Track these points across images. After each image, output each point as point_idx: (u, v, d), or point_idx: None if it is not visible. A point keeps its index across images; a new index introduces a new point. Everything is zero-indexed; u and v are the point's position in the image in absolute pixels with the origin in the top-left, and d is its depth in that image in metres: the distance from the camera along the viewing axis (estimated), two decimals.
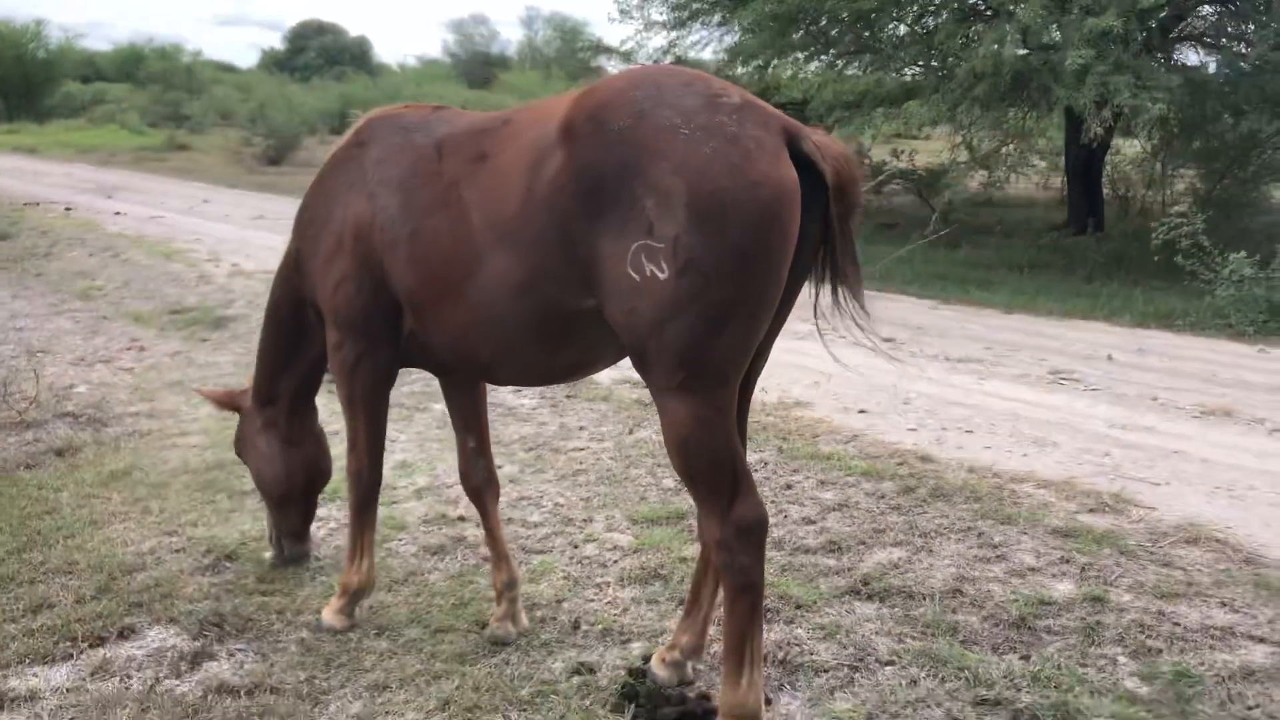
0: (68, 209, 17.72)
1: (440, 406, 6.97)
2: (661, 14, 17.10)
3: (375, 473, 4.08)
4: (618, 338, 3.21)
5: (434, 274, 3.48)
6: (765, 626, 4.05)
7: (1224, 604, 4.29)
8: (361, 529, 4.10)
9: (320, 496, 5.33)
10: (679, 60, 17.64)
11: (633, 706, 3.56)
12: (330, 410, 5.02)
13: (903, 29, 13.93)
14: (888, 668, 3.82)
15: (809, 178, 2.97)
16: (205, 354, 8.40)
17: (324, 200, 3.93)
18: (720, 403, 3.02)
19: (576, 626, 4.15)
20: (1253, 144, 14.37)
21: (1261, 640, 4.01)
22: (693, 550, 4.76)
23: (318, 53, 70.29)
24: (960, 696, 3.62)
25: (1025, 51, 11.47)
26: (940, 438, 6.42)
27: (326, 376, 4.47)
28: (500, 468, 5.81)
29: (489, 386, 4.31)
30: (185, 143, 34.81)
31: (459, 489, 5.49)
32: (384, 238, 3.64)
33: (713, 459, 3.04)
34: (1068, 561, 4.66)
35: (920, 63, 13.10)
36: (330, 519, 5.20)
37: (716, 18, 16.24)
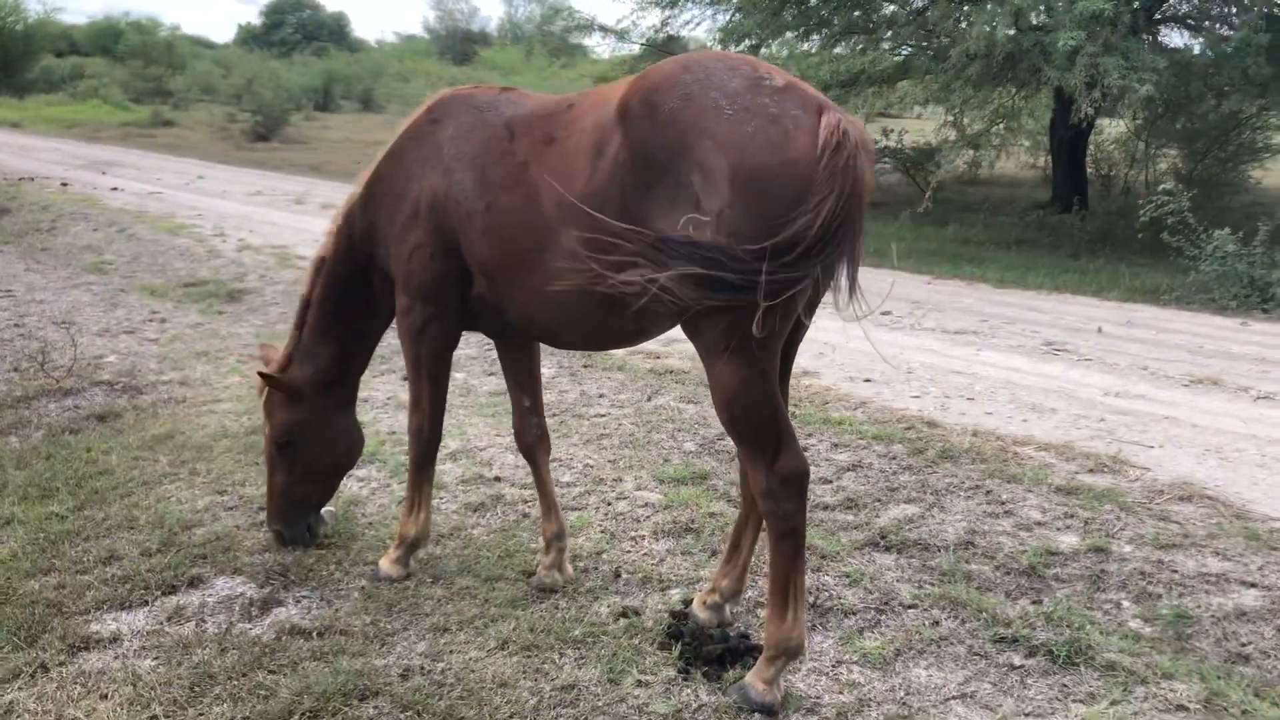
0: (64, 184, 17.78)
1: (462, 376, 7.25)
2: None
3: (436, 431, 4.33)
4: (666, 306, 3.50)
5: (507, 246, 3.76)
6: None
7: (1217, 554, 4.61)
8: (420, 483, 4.36)
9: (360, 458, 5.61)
10: (670, 39, 17.85)
11: (679, 645, 3.84)
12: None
13: (893, 9, 14.20)
14: (910, 610, 4.13)
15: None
16: (225, 325, 8.61)
17: (401, 173, 4.16)
18: (764, 365, 3.29)
19: (617, 575, 4.43)
20: (1233, 124, 14.76)
21: (1253, 585, 4.34)
22: (720, 506, 5.06)
23: (295, 28, 69.78)
24: (980, 635, 3.93)
25: (1014, 32, 11.74)
26: (944, 404, 6.73)
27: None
28: None
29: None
30: (170, 118, 34.70)
31: (492, 451, 5.80)
32: (459, 209, 3.90)
33: (758, 416, 3.32)
34: (1071, 516, 4.98)
35: (913, 43, 13.35)
36: (371, 479, 5.46)
37: None
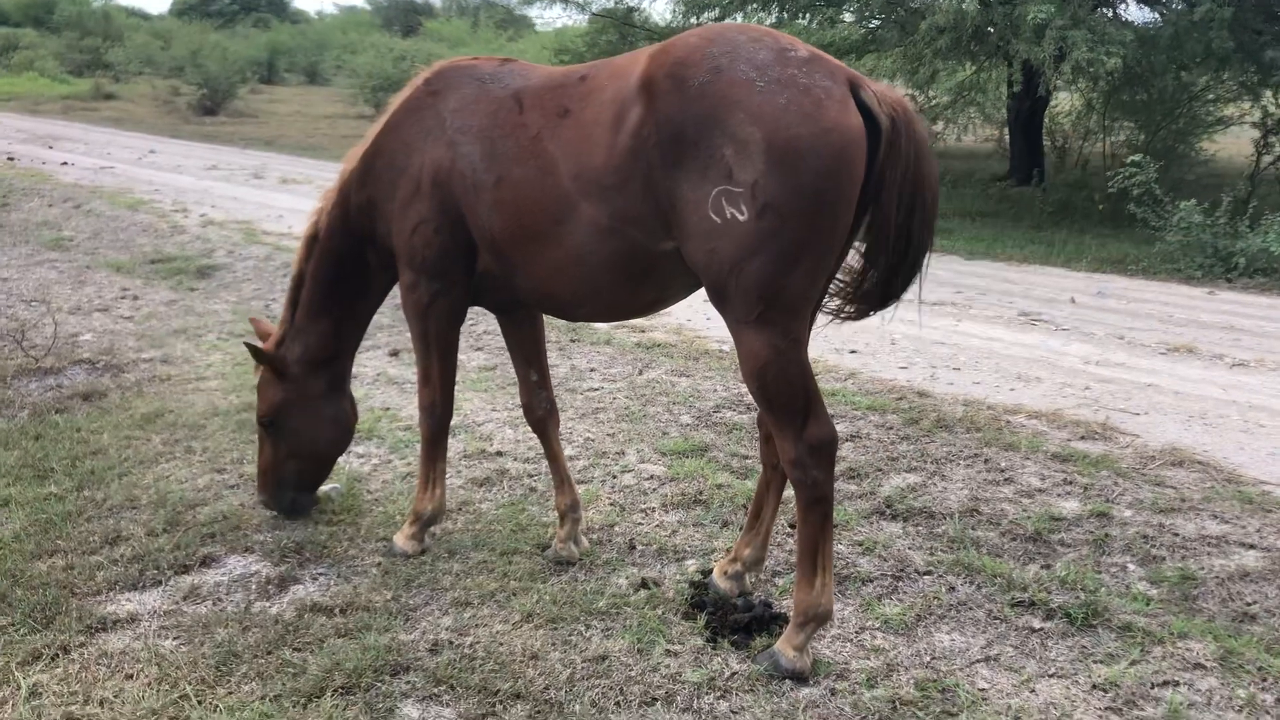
0: (10, 159, 17.32)
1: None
2: None
3: (447, 406, 4.31)
4: (688, 276, 3.55)
5: (521, 219, 3.71)
6: None
7: (1215, 516, 4.73)
8: (434, 459, 4.34)
9: (357, 435, 5.56)
10: (631, 10, 17.76)
11: (704, 615, 3.88)
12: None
13: None
14: (926, 576, 4.20)
15: (868, 124, 3.24)
16: (200, 302, 8.47)
17: (401, 147, 4.08)
18: (794, 333, 3.32)
19: (632, 547, 4.45)
20: (1186, 97, 15.01)
21: (1252, 547, 4.46)
22: (725, 478, 5.09)
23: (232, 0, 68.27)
24: (997, 599, 4.00)
25: (980, 6, 11.82)
26: (932, 375, 6.82)
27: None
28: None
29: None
30: (111, 91, 33.89)
31: (490, 426, 5.78)
32: (465, 182, 3.85)
33: (788, 385, 3.34)
34: (1070, 483, 5.08)
35: (880, 15, 13.41)
36: (372, 455, 5.42)
37: None
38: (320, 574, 4.20)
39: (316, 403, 4.53)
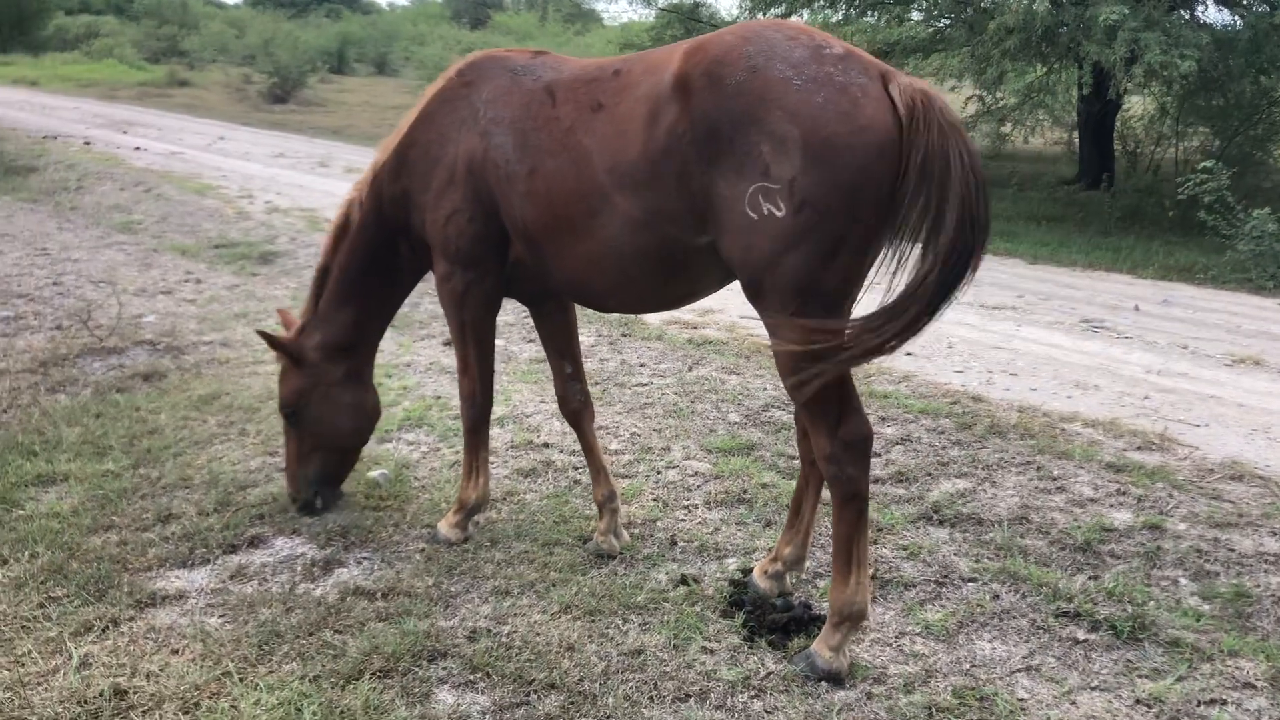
0: (87, 143, 17.76)
1: (502, 342, 7.25)
2: None
3: (487, 395, 4.34)
4: (719, 270, 3.57)
5: (554, 211, 3.74)
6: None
7: (1274, 533, 4.61)
8: (476, 448, 4.37)
9: (407, 422, 5.62)
10: (697, 5, 17.72)
11: (742, 613, 3.86)
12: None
13: None
14: (970, 584, 4.14)
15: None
16: (261, 287, 8.62)
17: (435, 137, 4.11)
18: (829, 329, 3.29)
19: (673, 543, 4.44)
20: (1266, 103, 14.61)
21: None
22: (770, 478, 5.07)
23: None
24: (1042, 609, 3.94)
25: (1050, 6, 11.62)
26: (988, 380, 6.72)
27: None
28: None
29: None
30: (185, 78, 34.56)
31: (538, 417, 5.81)
32: (499, 172, 3.88)
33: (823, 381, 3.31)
34: (1124, 493, 4.97)
35: (950, 15, 13.23)
36: (421, 443, 5.48)
37: None
38: (364, 558, 4.25)
39: (335, 390, 4.54)
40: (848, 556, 3.45)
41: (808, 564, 4.24)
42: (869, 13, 14.96)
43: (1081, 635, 3.77)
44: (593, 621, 3.79)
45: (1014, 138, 14.96)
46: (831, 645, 3.50)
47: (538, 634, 3.69)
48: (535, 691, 3.38)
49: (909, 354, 7.25)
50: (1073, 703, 3.39)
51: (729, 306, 8.07)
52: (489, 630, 3.71)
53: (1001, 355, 7.26)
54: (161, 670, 3.43)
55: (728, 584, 4.09)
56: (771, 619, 3.82)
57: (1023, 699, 3.40)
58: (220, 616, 3.79)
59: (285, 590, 3.98)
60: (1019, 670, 3.57)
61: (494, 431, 5.63)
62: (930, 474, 5.18)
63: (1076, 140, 17.02)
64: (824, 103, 3.14)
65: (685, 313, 8.02)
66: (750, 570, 4.12)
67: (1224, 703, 3.39)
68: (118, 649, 3.54)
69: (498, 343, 7.21)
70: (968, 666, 3.58)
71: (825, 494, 3.96)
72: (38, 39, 44.10)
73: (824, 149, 3.12)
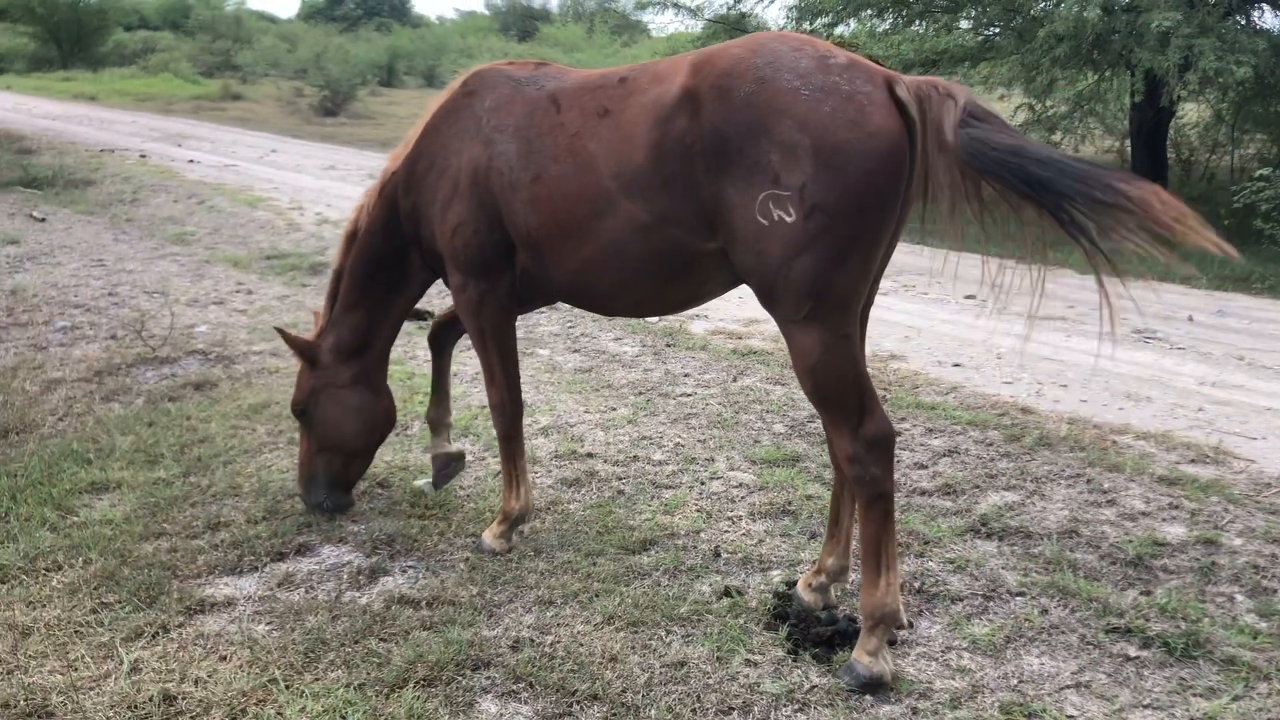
0: (142, 156, 18.09)
1: (547, 352, 7.28)
2: None
3: (516, 402, 4.38)
4: (724, 274, 3.66)
5: (557, 215, 3.81)
6: (898, 559, 4.34)
7: None
8: (513, 457, 4.40)
9: (452, 433, 5.66)
10: (744, 16, 17.71)
11: (786, 626, 3.84)
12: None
13: None
14: (1018, 598, 4.08)
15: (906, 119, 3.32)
16: (311, 298, 8.71)
17: (439, 149, 4.20)
18: (844, 329, 3.38)
19: (717, 554, 4.43)
20: None
21: None
22: (816, 489, 5.03)
23: (357, 3, 70.18)
24: (1091, 624, 3.87)
25: (1101, 13, 11.48)
26: (1037, 391, 6.63)
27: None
28: (614, 410, 6.14)
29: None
30: (239, 92, 35.09)
31: (582, 427, 5.83)
32: (502, 180, 3.95)
33: (840, 381, 3.39)
34: (1176, 507, 4.88)
35: (999, 22, 13.10)
36: (466, 452, 5.50)
37: None
38: (409, 567, 4.28)
39: (344, 392, 4.63)
40: (876, 559, 3.47)
41: (853, 577, 4.20)
42: (917, 21, 14.85)
43: (1133, 652, 3.70)
44: (636, 633, 3.78)
45: (1064, 146, 14.75)
46: (869, 650, 3.49)
47: (581, 644, 3.69)
48: (578, 702, 3.38)
49: (957, 365, 7.19)
50: None
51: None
52: (532, 640, 3.72)
53: (1051, 366, 7.17)
54: (209, 676, 3.47)
55: (772, 596, 4.06)
56: (816, 632, 3.79)
57: (1072, 716, 3.35)
58: (267, 624, 3.83)
59: (331, 598, 4.01)
60: (1068, 687, 3.51)
61: (538, 441, 5.65)
62: (978, 486, 5.12)
63: (1128, 148, 16.76)
64: (832, 111, 3.23)
65: (730, 323, 8.01)
66: (794, 583, 4.09)
67: None
68: (167, 655, 3.59)
69: (542, 353, 7.26)
70: (1015, 682, 3.53)
71: None
72: (97, 55, 45.04)
73: (834, 156, 3.20)
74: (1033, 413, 6.17)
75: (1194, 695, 3.46)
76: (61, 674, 3.46)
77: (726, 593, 4.10)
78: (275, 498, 4.83)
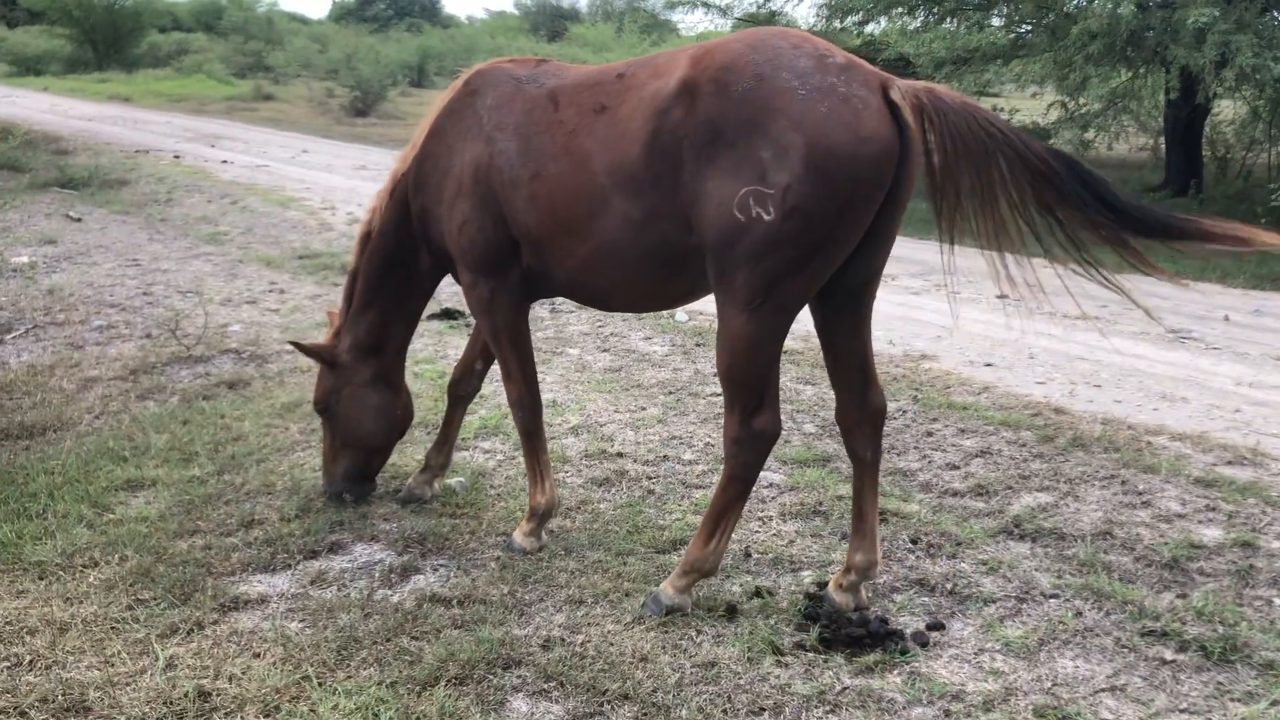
0: (176, 157, 18.26)
1: (577, 352, 7.29)
2: None
3: (534, 397, 4.40)
4: None
5: (556, 213, 3.85)
6: (930, 561, 4.33)
7: None
8: (535, 452, 4.42)
9: (483, 430, 5.68)
10: (773, 15, 17.67)
11: (817, 627, 3.82)
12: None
13: None
14: (1052, 600, 4.04)
15: (904, 123, 3.38)
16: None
17: (445, 150, 4.24)
18: (779, 329, 3.58)
19: (748, 555, 4.41)
20: None
21: None
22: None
23: (387, 4, 70.53)
24: (1127, 627, 3.83)
25: (1135, 9, 11.36)
26: (1070, 391, 6.58)
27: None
28: (644, 409, 6.13)
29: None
30: (270, 93, 35.34)
31: (612, 427, 5.83)
32: (502, 178, 3.98)
33: (754, 371, 3.58)
34: (1213, 509, 4.83)
35: (1031, 20, 12.99)
36: (497, 451, 5.52)
37: None
38: (441, 565, 4.30)
39: (362, 391, 4.72)
40: (715, 524, 3.81)
41: (885, 578, 4.18)
42: (948, 19, 14.77)
43: (1169, 655, 3.66)
44: (666, 633, 3.78)
45: (1098, 144, 14.62)
46: (677, 587, 3.87)
47: (611, 644, 3.69)
48: (609, 702, 3.38)
49: (989, 365, 7.14)
50: None
51: (803, 316, 8.00)
52: (563, 639, 3.72)
53: (1085, 366, 7.10)
54: (243, 673, 3.50)
55: (803, 597, 4.05)
56: (847, 633, 3.77)
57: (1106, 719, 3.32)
58: (300, 621, 3.86)
59: (364, 596, 4.03)
60: (1103, 690, 3.48)
61: (568, 440, 5.66)
62: (1011, 487, 5.08)
63: (1163, 146, 16.59)
64: (828, 112, 3.27)
65: None
66: (825, 583, 4.08)
67: None
68: (202, 651, 3.62)
69: (572, 352, 7.27)
70: (1049, 685, 3.50)
71: (876, 489, 3.98)
72: (131, 56, 45.47)
73: (825, 158, 3.25)
74: (1066, 413, 6.12)
75: (1232, 700, 3.42)
76: (98, 669, 3.49)
77: (757, 593, 4.09)
78: (308, 496, 4.86)
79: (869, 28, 15.95)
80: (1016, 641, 3.74)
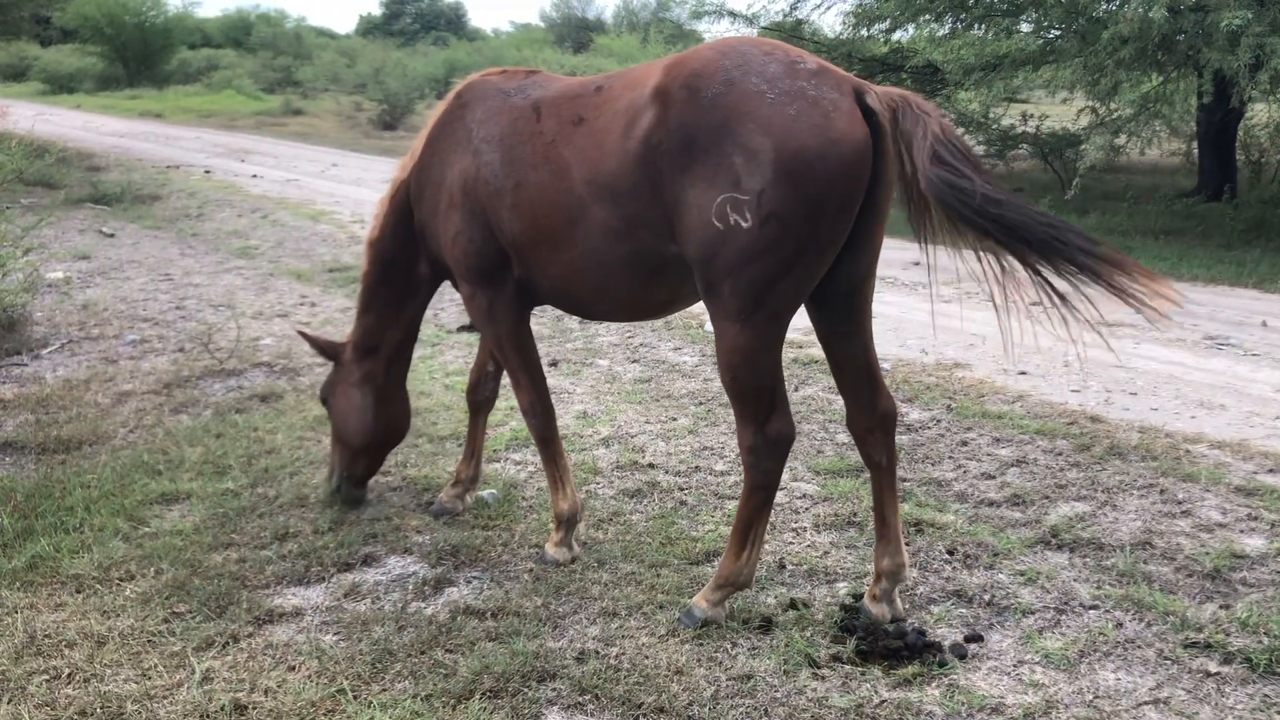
0: (207, 172, 18.44)
1: (606, 363, 7.28)
2: None
3: (545, 403, 4.41)
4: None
5: (537, 222, 3.90)
6: (967, 571, 4.28)
7: None
8: (553, 458, 4.42)
9: (514, 442, 5.67)
10: (799, 23, 17.62)
11: (853, 639, 3.78)
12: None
13: None
14: (1091, 611, 3.99)
15: (879, 127, 3.38)
16: None
17: (437, 162, 4.31)
18: (775, 335, 3.55)
19: (782, 566, 4.38)
20: None
21: None
22: None
23: (414, 18, 71.06)
24: (1169, 639, 3.77)
25: (1167, 14, 11.25)
26: (1106, 399, 6.50)
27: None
28: (674, 420, 6.11)
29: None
30: (299, 107, 35.66)
31: (643, 438, 5.81)
32: (488, 189, 4.04)
33: (758, 380, 3.57)
34: (1255, 518, 4.75)
35: (1060, 25, 12.89)
36: (528, 463, 5.52)
37: None
38: (474, 578, 4.29)
39: (351, 390, 4.84)
40: (745, 536, 3.79)
41: (921, 589, 4.14)
42: (976, 25, 14.68)
43: (1213, 667, 3.60)
44: (701, 645, 3.76)
45: (1129, 149, 14.49)
46: (711, 600, 3.85)
47: (646, 657, 3.67)
48: (644, 715, 3.35)
49: (1023, 373, 7.07)
50: None
51: None
52: (597, 652, 3.70)
53: (1120, 374, 7.02)
54: (279, 686, 3.50)
55: (838, 609, 4.01)
56: (884, 645, 3.73)
57: None
58: (335, 634, 3.86)
59: (397, 609, 4.03)
60: (1146, 703, 3.42)
61: (599, 452, 5.65)
62: (1047, 497, 5.02)
63: (1195, 151, 16.43)
64: (796, 115, 3.28)
65: (791, 332, 7.92)
66: (861, 595, 4.04)
67: None
68: (237, 664, 3.63)
69: (601, 363, 7.26)
70: (1091, 698, 3.44)
71: (897, 490, 3.97)
72: (162, 73, 46.04)
73: (794, 161, 3.25)
74: (1102, 421, 6.05)
75: (1279, 713, 3.35)
76: (135, 683, 3.51)
77: (792, 605, 4.06)
78: (341, 508, 4.87)
79: (896, 35, 15.87)
80: (1056, 653, 3.69)
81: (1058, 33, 13.13)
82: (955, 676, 3.56)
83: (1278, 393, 6.61)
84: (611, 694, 3.45)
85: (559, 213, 3.81)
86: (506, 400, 6.46)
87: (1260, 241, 12.18)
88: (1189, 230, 13.14)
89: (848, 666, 3.63)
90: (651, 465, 5.47)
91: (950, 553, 4.45)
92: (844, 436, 5.86)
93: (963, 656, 3.68)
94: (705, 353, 7.55)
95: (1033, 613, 3.99)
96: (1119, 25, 10.84)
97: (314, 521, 4.74)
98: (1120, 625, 3.88)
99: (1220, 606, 4.00)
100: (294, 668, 3.62)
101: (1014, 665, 3.65)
